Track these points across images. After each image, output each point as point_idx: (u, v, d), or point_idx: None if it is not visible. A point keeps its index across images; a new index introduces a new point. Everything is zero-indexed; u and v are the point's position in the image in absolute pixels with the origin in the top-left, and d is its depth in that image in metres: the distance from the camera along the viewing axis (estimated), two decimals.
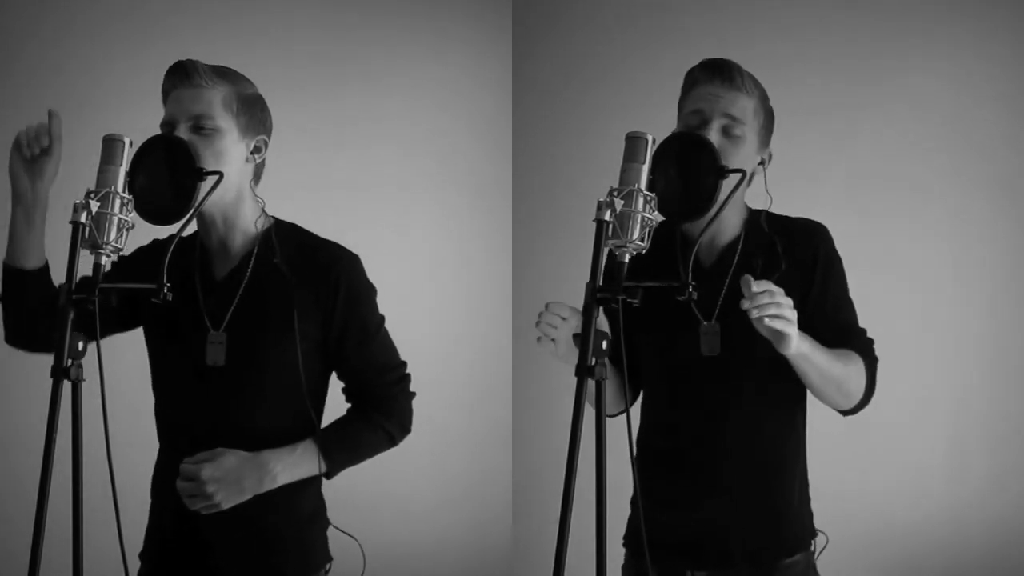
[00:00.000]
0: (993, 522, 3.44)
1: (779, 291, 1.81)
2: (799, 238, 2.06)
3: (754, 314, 1.79)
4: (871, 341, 2.08)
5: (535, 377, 3.94)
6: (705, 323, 2.05)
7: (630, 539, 2.19)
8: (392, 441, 2.17)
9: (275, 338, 2.05)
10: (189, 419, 2.08)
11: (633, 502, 2.18)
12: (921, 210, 3.51)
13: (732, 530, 2.05)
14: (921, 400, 3.42)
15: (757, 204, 2.12)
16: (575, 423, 1.62)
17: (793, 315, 1.81)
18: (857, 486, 3.36)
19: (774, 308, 1.79)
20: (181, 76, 2.03)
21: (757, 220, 2.09)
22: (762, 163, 2.07)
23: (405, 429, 2.18)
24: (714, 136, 1.98)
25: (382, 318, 2.16)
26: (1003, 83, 3.47)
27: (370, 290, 2.14)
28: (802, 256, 2.05)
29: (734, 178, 1.93)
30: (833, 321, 2.04)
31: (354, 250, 2.14)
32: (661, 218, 1.83)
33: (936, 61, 3.52)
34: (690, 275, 1.76)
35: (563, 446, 1.60)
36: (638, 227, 1.74)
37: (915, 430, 3.41)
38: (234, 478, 2.00)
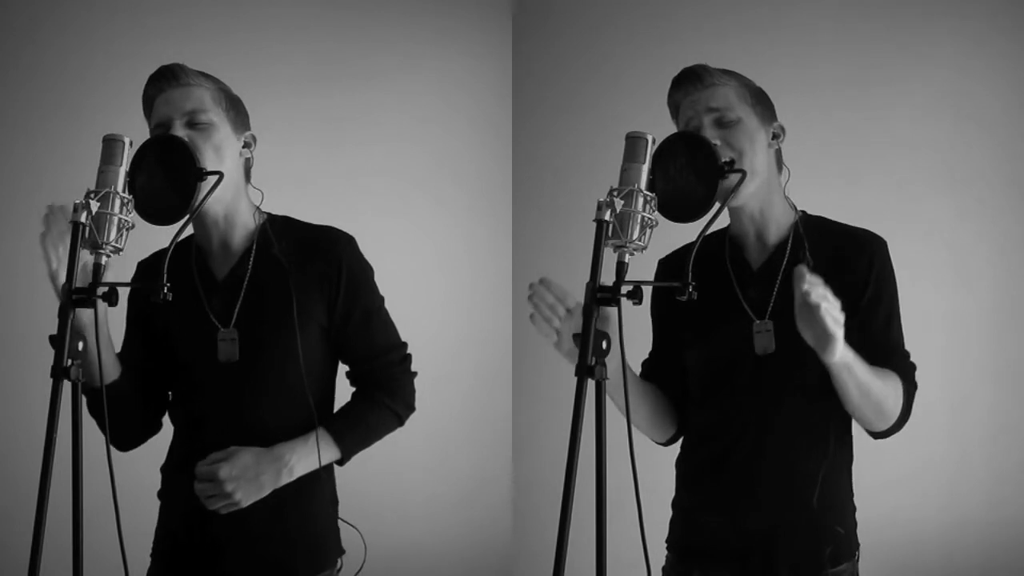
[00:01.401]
0: (993, 522, 3.43)
1: (829, 291, 1.79)
2: (855, 249, 2.03)
3: (812, 298, 1.75)
4: (913, 366, 2.05)
5: (535, 378, 3.93)
6: (758, 321, 2.03)
7: (673, 542, 2.17)
8: (399, 420, 2.19)
9: (286, 330, 2.07)
10: (206, 417, 2.09)
11: (674, 504, 2.18)
12: (921, 209, 3.50)
13: (775, 538, 2.02)
14: (921, 400, 3.40)
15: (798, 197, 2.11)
16: (575, 423, 1.62)
17: (841, 317, 1.79)
18: (856, 487, 3.36)
19: (825, 304, 1.77)
20: (169, 79, 2.05)
21: (807, 224, 2.07)
22: (775, 136, 2.06)
23: (410, 407, 2.21)
24: (710, 132, 1.98)
25: (382, 298, 2.19)
26: (1006, 80, 3.47)
27: (369, 269, 2.17)
28: (855, 266, 2.02)
29: (736, 177, 1.93)
30: (880, 339, 2.02)
31: None
32: (661, 218, 1.83)
33: (937, 60, 3.51)
34: (690, 275, 1.76)
35: (563, 446, 1.60)
36: (638, 227, 1.74)
37: (915, 430, 3.39)
38: (252, 475, 2.02)
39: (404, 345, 2.21)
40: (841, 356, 1.84)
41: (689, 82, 2.02)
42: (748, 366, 2.03)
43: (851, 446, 2.10)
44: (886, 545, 3.46)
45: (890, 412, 1.99)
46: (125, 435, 2.15)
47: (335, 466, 2.18)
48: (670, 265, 2.21)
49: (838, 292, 1.94)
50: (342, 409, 2.17)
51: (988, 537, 3.44)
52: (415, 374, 2.22)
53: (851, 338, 1.92)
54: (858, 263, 2.03)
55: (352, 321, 2.12)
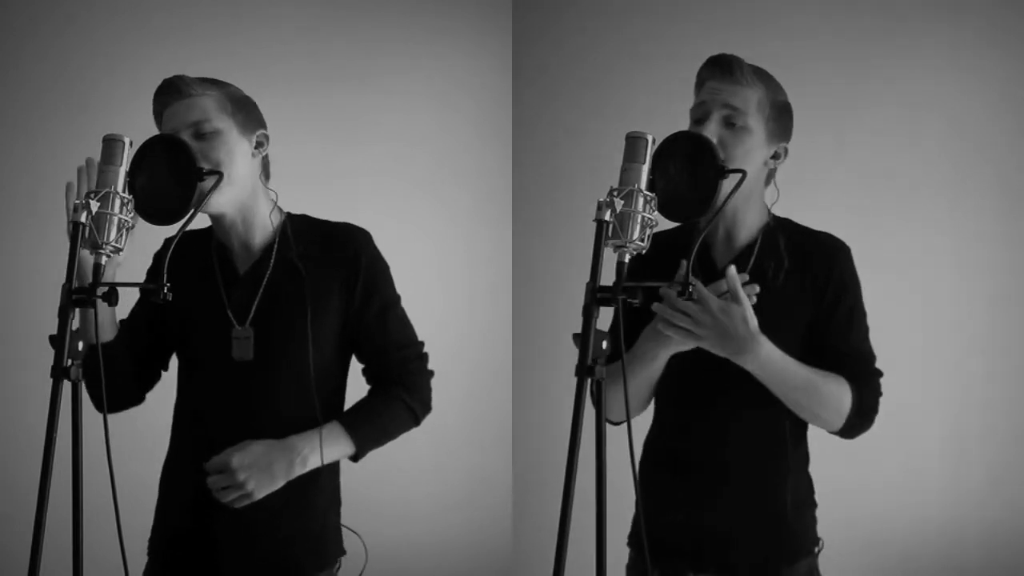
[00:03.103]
0: (992, 523, 3.44)
1: (710, 308, 1.88)
2: (817, 254, 2.04)
3: (659, 326, 1.93)
4: (875, 372, 2.06)
5: (535, 377, 3.93)
6: None
7: (635, 539, 2.18)
8: (415, 418, 2.18)
9: (301, 332, 2.07)
10: (215, 414, 2.09)
11: (638, 502, 2.18)
12: (920, 209, 3.51)
13: (734, 534, 2.04)
14: (921, 400, 3.42)
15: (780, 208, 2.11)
16: (575, 423, 1.62)
17: (709, 330, 1.89)
18: (855, 487, 3.36)
19: (687, 322, 1.90)
20: (172, 92, 2.05)
21: (776, 227, 2.08)
22: (776, 156, 2.06)
23: (427, 406, 2.19)
24: (715, 127, 1.97)
25: (399, 296, 2.19)
26: (1002, 81, 3.47)
27: (386, 265, 2.17)
28: (816, 273, 2.03)
29: (735, 177, 1.92)
30: (836, 344, 2.03)
31: None
32: (661, 218, 1.83)
33: (934, 60, 3.52)
34: (690, 276, 1.76)
35: (563, 446, 1.60)
36: (638, 227, 1.74)
37: (914, 430, 3.41)
38: (264, 463, 2.01)
39: (421, 344, 2.21)
40: (756, 364, 1.93)
41: (719, 69, 2.01)
42: (703, 366, 2.02)
43: (807, 443, 2.11)
44: (883, 546, 3.46)
45: (831, 415, 2.01)
46: (109, 396, 2.05)
47: (340, 467, 2.17)
48: (650, 249, 2.19)
49: (799, 290, 1.99)
50: (357, 404, 2.16)
51: (987, 538, 3.44)
52: (432, 373, 2.21)
53: (806, 342, 2.00)
54: (819, 267, 2.03)
55: (369, 313, 2.12)
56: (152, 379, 2.20)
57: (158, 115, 2.08)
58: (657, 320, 1.95)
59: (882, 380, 2.06)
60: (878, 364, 2.07)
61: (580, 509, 1.63)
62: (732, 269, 1.93)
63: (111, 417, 1.83)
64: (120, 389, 2.12)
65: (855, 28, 3.58)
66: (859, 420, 2.02)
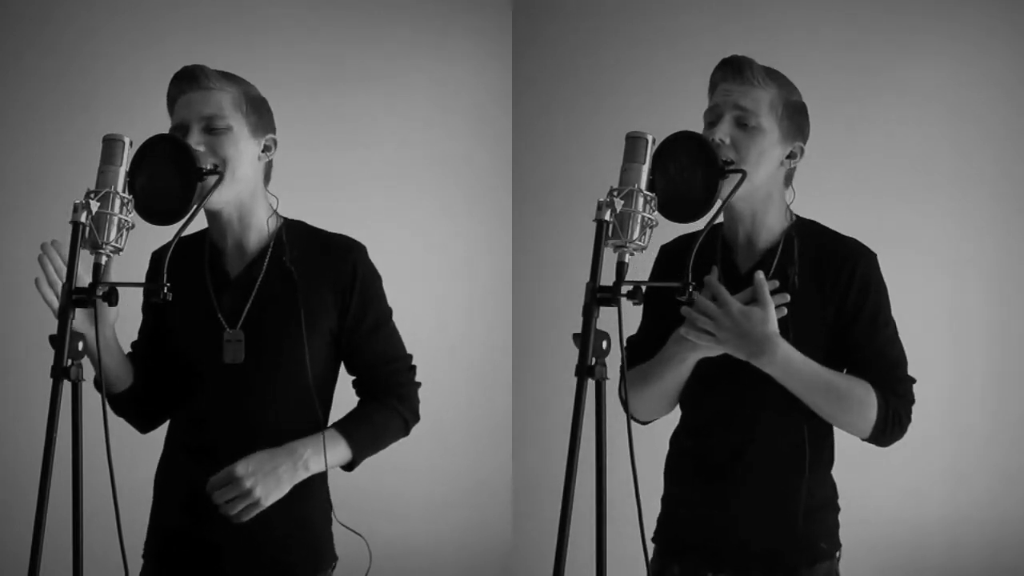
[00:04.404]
0: (994, 524, 3.43)
1: (730, 311, 1.91)
2: (840, 258, 2.03)
3: (681, 331, 1.97)
4: (904, 378, 2.04)
5: (535, 378, 3.93)
6: None
7: (658, 536, 2.19)
8: (406, 427, 2.19)
9: (294, 335, 2.07)
10: (209, 418, 2.09)
11: (662, 499, 2.19)
12: (921, 208, 3.50)
13: (752, 535, 2.04)
14: (920, 401, 3.41)
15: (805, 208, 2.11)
16: (575, 423, 1.62)
17: (729, 333, 1.92)
18: (856, 489, 3.35)
19: (709, 325, 1.92)
20: (189, 80, 2.04)
21: (799, 229, 2.06)
22: (791, 156, 2.05)
23: (416, 415, 2.21)
24: (727, 127, 1.97)
25: (391, 309, 2.19)
26: (1003, 75, 3.47)
27: (380, 279, 2.18)
28: (838, 277, 2.02)
29: (736, 178, 1.93)
30: (861, 349, 2.01)
31: None
32: (661, 218, 1.83)
33: (936, 56, 3.51)
34: (690, 275, 1.76)
35: (563, 446, 1.60)
36: (638, 227, 1.74)
37: (915, 432, 3.39)
38: (269, 467, 2.01)
39: (410, 356, 2.22)
40: (773, 366, 1.94)
41: (731, 71, 2.01)
42: (726, 368, 2.01)
43: (833, 446, 2.10)
44: (884, 548, 3.46)
45: (856, 420, 2.00)
46: (148, 423, 2.21)
47: (329, 473, 2.17)
48: (671, 254, 2.21)
49: (820, 293, 1.99)
50: (351, 412, 2.17)
51: (988, 540, 3.44)
52: (419, 384, 2.22)
53: (829, 348, 1.99)
54: (840, 272, 2.02)
55: (363, 328, 2.13)
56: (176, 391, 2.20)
57: (172, 100, 2.07)
58: (685, 324, 1.97)
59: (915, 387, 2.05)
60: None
61: (580, 509, 1.63)
62: (760, 274, 1.95)
63: (111, 417, 1.84)
64: (157, 413, 2.19)
65: (855, 22, 3.57)
66: (888, 427, 2.01)
